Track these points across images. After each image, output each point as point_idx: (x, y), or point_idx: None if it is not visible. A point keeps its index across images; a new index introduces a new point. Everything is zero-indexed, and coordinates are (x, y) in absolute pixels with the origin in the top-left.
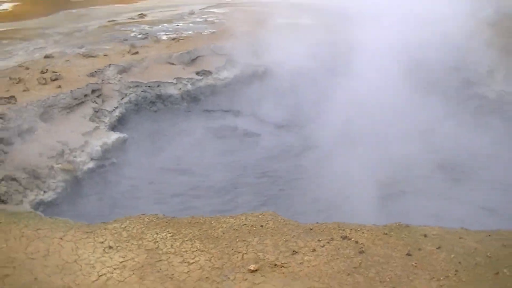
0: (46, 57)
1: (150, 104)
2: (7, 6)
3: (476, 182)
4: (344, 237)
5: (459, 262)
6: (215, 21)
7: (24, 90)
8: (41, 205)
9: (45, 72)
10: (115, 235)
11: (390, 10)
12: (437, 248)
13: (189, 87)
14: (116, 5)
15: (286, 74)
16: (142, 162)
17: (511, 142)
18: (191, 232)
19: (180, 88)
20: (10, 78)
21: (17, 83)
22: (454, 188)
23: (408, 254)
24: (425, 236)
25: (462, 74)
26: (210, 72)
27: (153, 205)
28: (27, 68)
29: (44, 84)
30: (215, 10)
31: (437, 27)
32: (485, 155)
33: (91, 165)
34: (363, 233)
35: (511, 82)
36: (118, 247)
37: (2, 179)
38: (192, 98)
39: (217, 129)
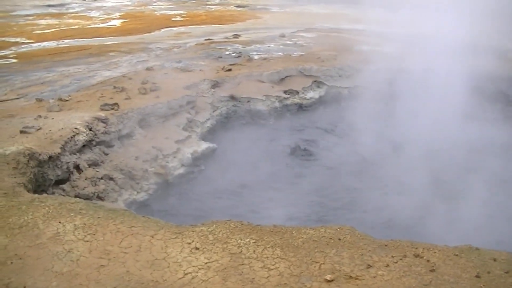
0: (147, 69)
1: (240, 118)
2: (116, 22)
3: None
4: (416, 255)
5: None
6: (304, 44)
7: (126, 98)
8: (133, 204)
9: (145, 83)
10: (202, 237)
11: (464, 43)
12: (505, 272)
13: (277, 104)
14: (213, 25)
15: (368, 97)
16: (229, 172)
17: None
18: (272, 240)
19: (268, 105)
20: (115, 87)
21: (120, 92)
22: None
23: (477, 276)
24: (495, 260)
25: None
26: (297, 92)
27: (234, 212)
28: (130, 79)
29: (144, 93)
30: (304, 34)
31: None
32: None
33: (181, 170)
34: (434, 252)
35: None
36: (204, 249)
37: (101, 178)
38: (278, 114)
39: (302, 145)
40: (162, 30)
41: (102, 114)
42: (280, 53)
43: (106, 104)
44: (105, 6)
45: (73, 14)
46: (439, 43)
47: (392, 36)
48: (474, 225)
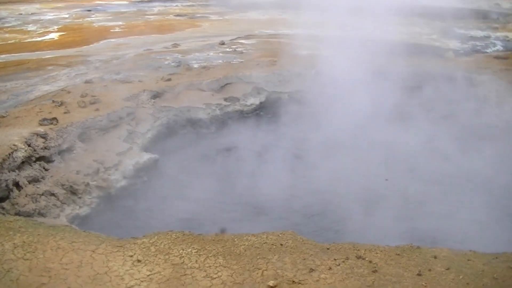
0: (86, 82)
1: (181, 128)
2: (54, 35)
3: None
4: (358, 257)
5: (467, 283)
6: (244, 51)
7: (65, 112)
8: (76, 219)
9: (85, 96)
10: (144, 249)
11: (399, 43)
12: (446, 269)
13: (218, 112)
14: (152, 35)
15: (309, 101)
16: (171, 182)
17: None
18: (215, 249)
19: (209, 113)
20: (53, 101)
21: (59, 106)
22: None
23: (419, 274)
24: (435, 257)
25: (472, 105)
26: (237, 99)
27: (178, 222)
28: (69, 92)
29: (84, 107)
30: (243, 41)
31: (448, 61)
32: None
33: (123, 183)
34: (376, 253)
35: None
36: (146, 261)
37: (42, 194)
38: (220, 122)
39: (242, 151)
40: (101, 42)
41: (41, 129)
42: (220, 61)
43: (45, 119)
44: (42, 20)
45: (9, 29)
46: (377, 44)
47: (331, 39)
48: None
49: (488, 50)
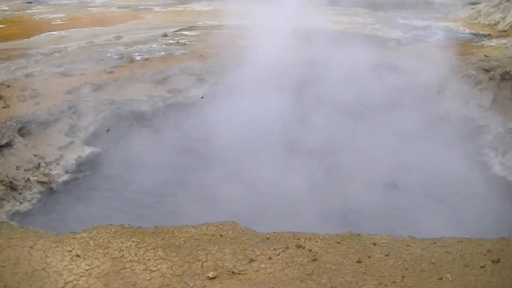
0: (27, 76)
1: (124, 120)
2: None
3: None
4: (298, 246)
5: (406, 268)
6: (187, 43)
7: (4, 107)
8: (17, 215)
9: (25, 90)
10: (83, 244)
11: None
12: (385, 255)
13: (160, 104)
14: (94, 27)
15: (250, 90)
16: (114, 175)
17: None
18: (154, 241)
19: (152, 105)
20: None
21: None
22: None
23: (358, 261)
24: (375, 244)
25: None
26: (180, 90)
27: (120, 216)
28: (8, 86)
29: (24, 101)
30: (187, 32)
31: (390, 50)
32: None
33: (65, 177)
34: (316, 241)
35: (458, 99)
36: (85, 256)
37: None
38: (163, 114)
39: (186, 142)
40: (42, 34)
41: None
42: (163, 53)
43: None
44: None
45: None
46: (320, 35)
47: (275, 30)
48: None
49: (430, 40)
